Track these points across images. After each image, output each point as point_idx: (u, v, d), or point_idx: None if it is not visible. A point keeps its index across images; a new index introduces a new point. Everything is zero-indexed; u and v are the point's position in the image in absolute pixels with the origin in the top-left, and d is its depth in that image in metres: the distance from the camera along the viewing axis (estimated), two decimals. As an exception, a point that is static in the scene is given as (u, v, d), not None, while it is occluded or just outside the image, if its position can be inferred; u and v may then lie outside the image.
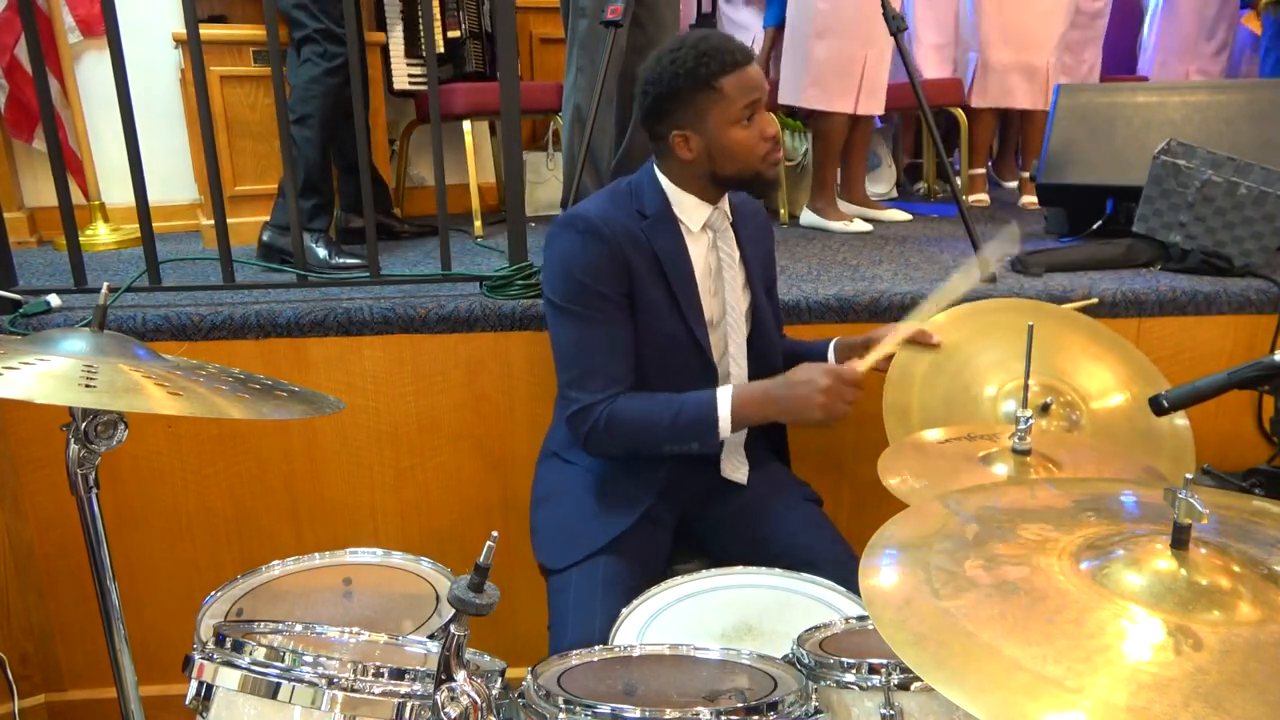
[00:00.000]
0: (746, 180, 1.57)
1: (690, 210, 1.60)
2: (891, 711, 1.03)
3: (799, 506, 1.68)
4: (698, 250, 1.62)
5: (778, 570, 1.46)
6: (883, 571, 0.90)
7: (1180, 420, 1.71)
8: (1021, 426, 1.37)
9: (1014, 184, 4.41)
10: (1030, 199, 3.74)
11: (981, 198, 3.81)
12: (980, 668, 0.74)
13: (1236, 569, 0.81)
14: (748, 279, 1.69)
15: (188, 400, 1.05)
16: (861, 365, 1.50)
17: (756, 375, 1.71)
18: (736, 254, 1.67)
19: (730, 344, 1.65)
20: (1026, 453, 1.37)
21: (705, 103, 1.49)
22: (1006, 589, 0.82)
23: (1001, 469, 1.37)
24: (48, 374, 1.02)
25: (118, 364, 1.08)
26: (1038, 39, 3.62)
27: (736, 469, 1.71)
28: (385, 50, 3.30)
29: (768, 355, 1.72)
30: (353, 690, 1.00)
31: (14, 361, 1.02)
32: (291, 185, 2.11)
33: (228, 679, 1.04)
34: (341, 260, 2.47)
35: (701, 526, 1.72)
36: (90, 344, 1.11)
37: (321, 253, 2.46)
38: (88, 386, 1.01)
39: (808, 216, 3.24)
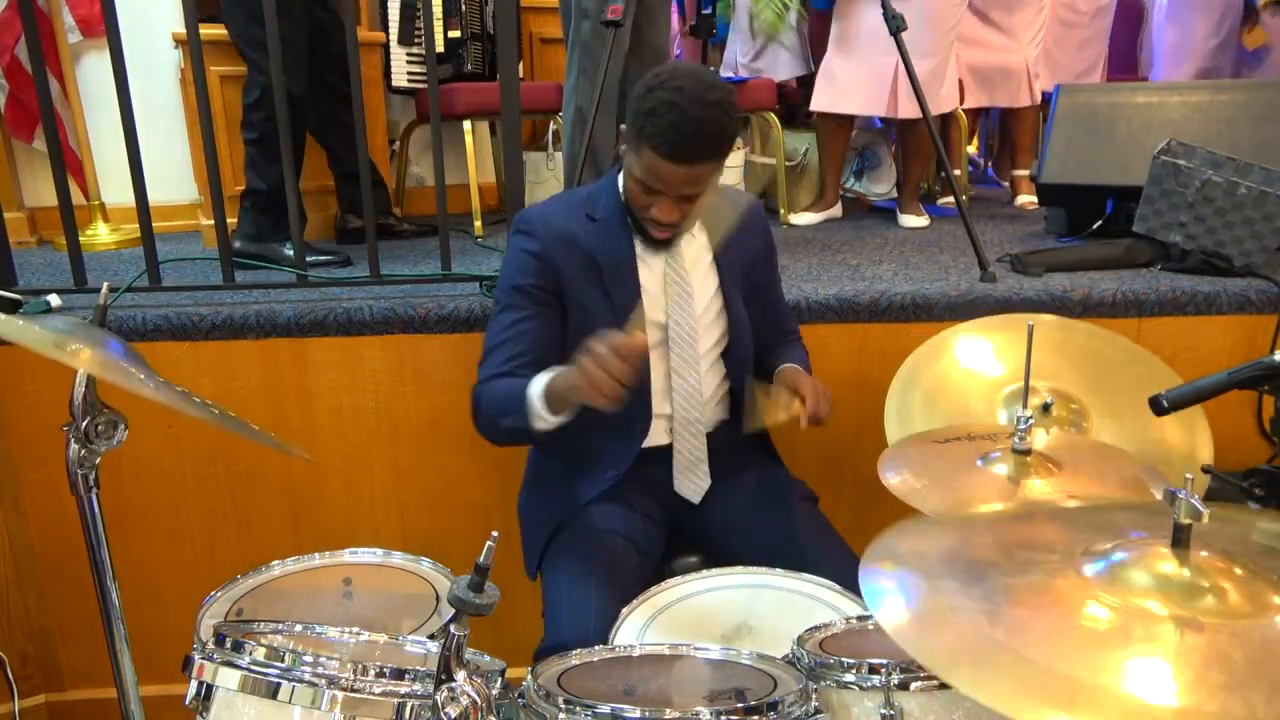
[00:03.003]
0: (636, 221, 1.57)
1: None
2: (891, 711, 1.03)
3: (795, 506, 1.68)
4: (653, 256, 1.61)
5: (778, 570, 1.46)
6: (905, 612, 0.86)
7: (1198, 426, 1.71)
8: (1021, 427, 1.37)
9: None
10: (1026, 198, 3.75)
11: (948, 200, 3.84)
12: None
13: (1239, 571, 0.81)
14: (720, 285, 1.66)
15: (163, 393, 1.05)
16: (634, 329, 1.34)
17: (733, 389, 1.71)
18: (704, 259, 1.65)
19: (675, 358, 1.62)
20: (1027, 452, 1.37)
21: (632, 141, 1.48)
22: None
23: (1002, 469, 1.37)
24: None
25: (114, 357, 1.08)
26: (1009, 37, 3.63)
27: (693, 488, 1.68)
28: (386, 49, 3.30)
29: (744, 368, 1.70)
30: (353, 690, 1.01)
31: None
32: (292, 186, 2.10)
33: (228, 679, 1.04)
34: (315, 258, 2.47)
35: (696, 527, 1.71)
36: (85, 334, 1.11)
37: (289, 254, 2.47)
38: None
39: (805, 218, 3.27)
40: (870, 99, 3.10)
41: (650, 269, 1.61)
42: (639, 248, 1.61)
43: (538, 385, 1.42)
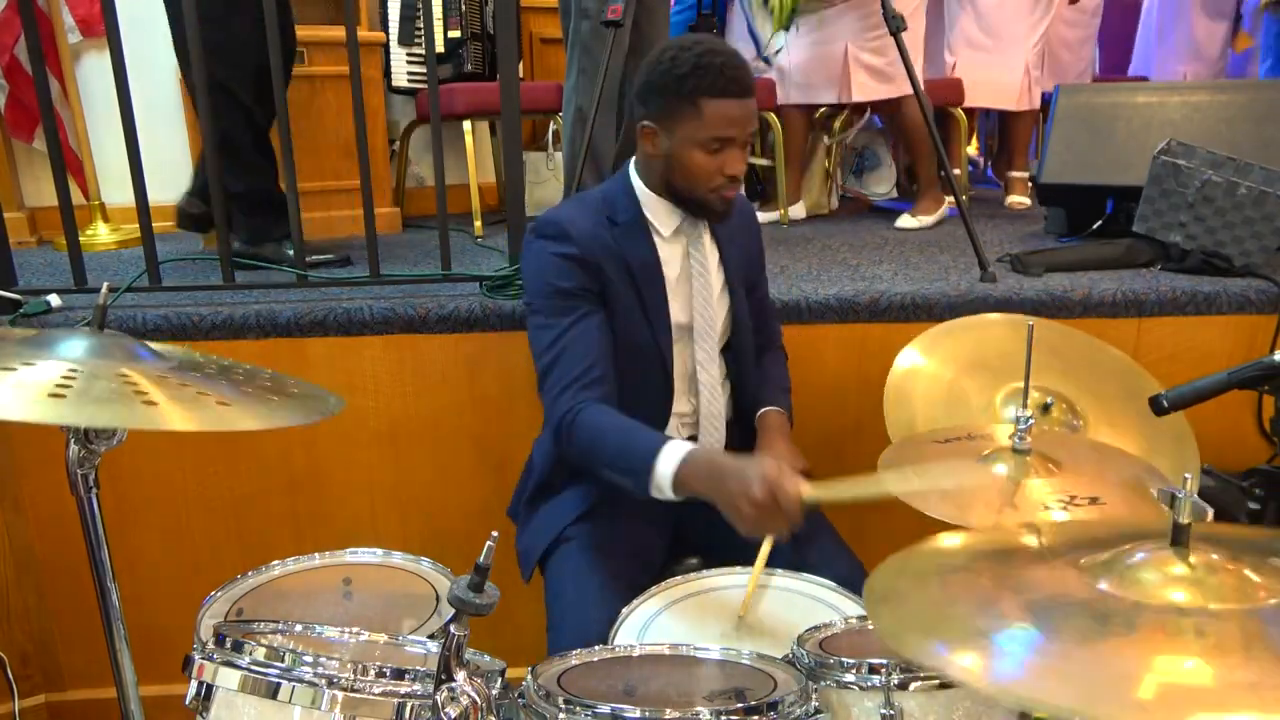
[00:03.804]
0: (692, 200, 1.55)
1: (663, 215, 1.60)
2: (891, 711, 1.03)
3: None
4: (671, 256, 1.61)
5: (778, 570, 1.46)
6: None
7: (1182, 423, 1.71)
8: (1021, 426, 1.37)
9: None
10: (1017, 199, 3.75)
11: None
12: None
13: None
14: (727, 282, 1.67)
15: (195, 413, 1.02)
16: (808, 492, 1.27)
17: (734, 380, 1.72)
18: (714, 258, 1.66)
19: (699, 351, 1.63)
20: (1026, 452, 1.37)
21: (681, 113, 1.47)
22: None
23: (1001, 469, 1.37)
24: (35, 386, 1.00)
25: (120, 367, 1.07)
26: (1011, 40, 3.63)
27: None
28: (386, 49, 3.30)
29: (744, 360, 1.71)
30: (353, 690, 1.01)
31: (14, 363, 1.02)
32: (290, 185, 2.10)
33: (228, 679, 1.04)
34: (315, 257, 2.46)
35: (698, 527, 1.71)
36: (89, 347, 1.09)
37: (289, 254, 2.47)
38: (85, 400, 0.99)
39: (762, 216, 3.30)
40: (826, 86, 3.21)
41: (670, 266, 1.61)
42: (660, 246, 1.61)
43: (668, 465, 1.35)
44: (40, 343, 1.10)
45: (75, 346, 1.09)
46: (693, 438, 1.67)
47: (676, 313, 1.62)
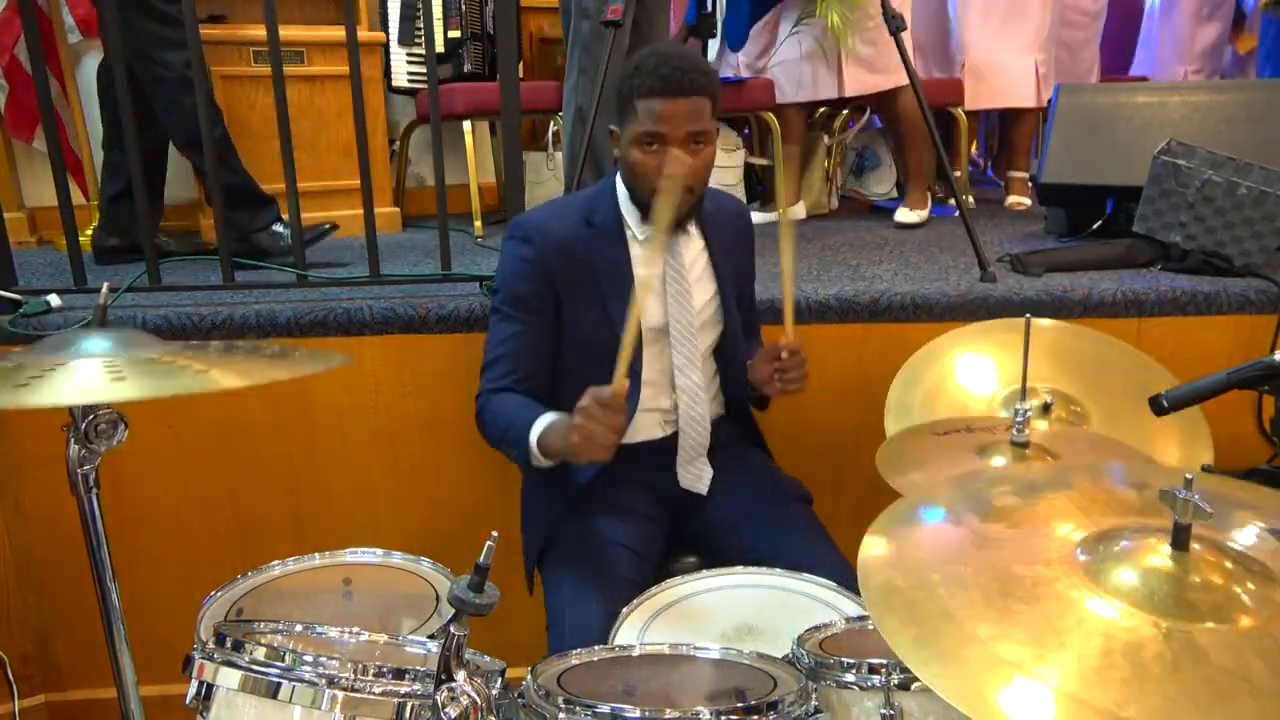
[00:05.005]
0: (644, 204, 1.56)
1: (636, 218, 1.61)
2: (891, 711, 1.03)
3: (790, 507, 1.68)
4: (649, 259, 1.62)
5: (778, 570, 1.46)
6: (881, 558, 0.89)
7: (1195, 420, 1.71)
8: (1019, 419, 1.37)
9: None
10: (1016, 199, 3.74)
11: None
12: (965, 655, 0.73)
13: (1230, 565, 0.81)
14: (718, 286, 1.67)
15: (239, 373, 1.07)
16: (619, 375, 1.33)
17: (725, 383, 1.72)
18: (702, 262, 1.66)
19: (678, 355, 1.64)
20: (1025, 445, 1.37)
21: (624, 114, 1.51)
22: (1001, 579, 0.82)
23: (1000, 461, 1.37)
24: (75, 376, 1.03)
25: (147, 354, 1.09)
26: (1020, 38, 3.63)
27: (695, 479, 1.70)
28: (386, 49, 3.31)
29: (735, 363, 1.71)
30: (353, 690, 1.01)
31: (35, 370, 1.02)
32: (290, 180, 2.10)
33: (228, 679, 1.04)
34: (308, 235, 2.45)
35: (695, 526, 1.72)
36: (110, 341, 1.12)
37: (281, 229, 2.50)
38: (118, 379, 1.01)
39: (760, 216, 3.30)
40: (820, 83, 3.22)
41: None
42: (636, 248, 1.61)
43: (535, 432, 1.47)
44: (53, 347, 1.11)
45: (97, 344, 1.11)
46: (675, 435, 1.68)
47: (655, 314, 1.62)
